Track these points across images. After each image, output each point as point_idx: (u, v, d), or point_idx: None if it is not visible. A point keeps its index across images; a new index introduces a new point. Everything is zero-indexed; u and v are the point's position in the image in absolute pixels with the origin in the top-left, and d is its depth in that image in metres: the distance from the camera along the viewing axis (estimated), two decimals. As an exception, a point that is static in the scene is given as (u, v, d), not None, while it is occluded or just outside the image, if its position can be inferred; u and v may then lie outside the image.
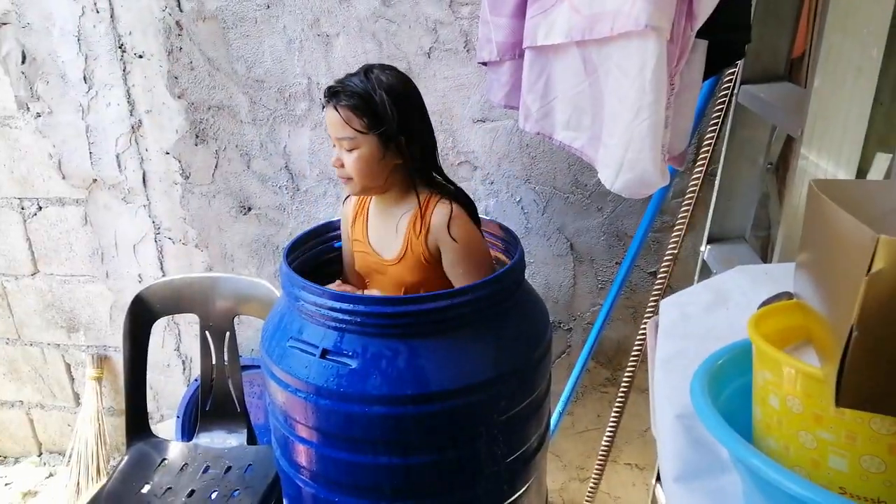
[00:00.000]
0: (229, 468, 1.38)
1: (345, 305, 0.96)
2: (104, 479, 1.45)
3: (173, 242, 1.67)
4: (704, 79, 0.85)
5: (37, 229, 1.74)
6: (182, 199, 1.61)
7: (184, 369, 1.82)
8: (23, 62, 1.56)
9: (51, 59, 1.54)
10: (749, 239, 1.17)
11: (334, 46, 1.41)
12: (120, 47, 1.50)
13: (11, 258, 1.78)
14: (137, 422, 1.46)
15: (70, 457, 1.81)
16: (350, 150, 1.05)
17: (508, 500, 1.09)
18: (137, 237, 1.68)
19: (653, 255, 1.45)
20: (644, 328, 1.32)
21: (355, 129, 1.03)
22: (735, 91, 1.07)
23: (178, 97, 1.52)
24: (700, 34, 0.76)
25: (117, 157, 1.60)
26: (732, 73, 1.07)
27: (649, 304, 1.29)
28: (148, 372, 1.47)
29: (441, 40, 1.36)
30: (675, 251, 1.24)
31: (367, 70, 1.05)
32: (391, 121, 1.02)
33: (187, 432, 1.62)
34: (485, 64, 1.13)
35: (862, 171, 0.77)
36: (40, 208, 1.71)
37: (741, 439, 0.42)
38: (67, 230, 1.72)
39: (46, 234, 1.73)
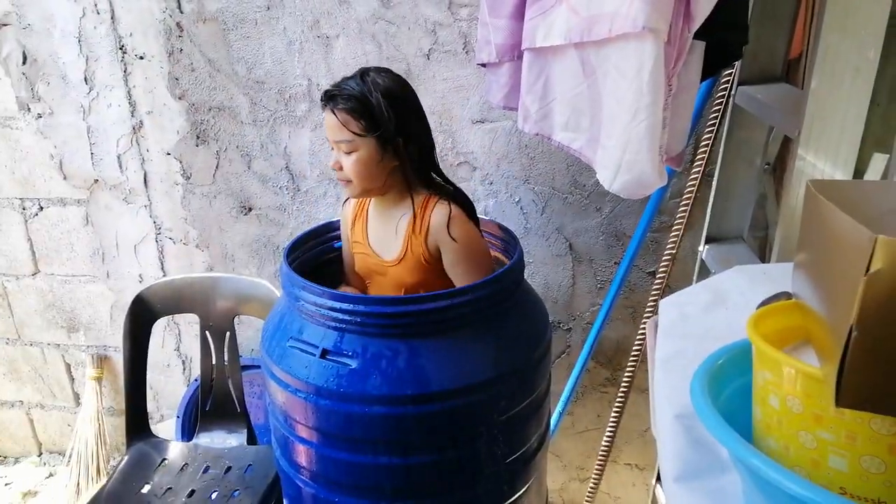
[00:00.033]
0: (229, 468, 1.38)
1: (345, 305, 0.97)
2: (104, 479, 1.45)
3: (174, 242, 1.67)
4: (702, 80, 0.85)
5: (38, 229, 1.74)
6: (183, 199, 1.62)
7: (184, 369, 1.82)
8: (24, 63, 1.56)
9: (52, 60, 1.54)
10: (747, 239, 1.18)
11: (334, 48, 1.42)
12: (121, 48, 1.51)
13: (12, 258, 1.79)
14: (137, 422, 1.46)
15: (70, 457, 1.81)
16: (348, 153, 1.05)
17: (509, 500, 1.10)
18: (138, 237, 1.68)
19: (651, 255, 1.45)
20: (643, 328, 1.33)
21: (353, 132, 1.03)
22: (732, 92, 1.07)
23: (179, 98, 1.52)
24: (697, 35, 0.76)
25: (118, 157, 1.61)
26: (730, 75, 1.07)
27: (648, 304, 1.30)
28: (148, 372, 1.47)
29: (440, 42, 1.37)
30: (674, 251, 1.24)
31: (363, 73, 1.06)
32: (388, 123, 1.03)
33: (187, 432, 1.63)
34: (484, 65, 1.13)
35: (859, 172, 0.78)
36: (41, 208, 1.72)
37: (741, 439, 0.42)
38: (68, 230, 1.72)
39: (47, 234, 1.74)
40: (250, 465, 1.38)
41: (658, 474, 1.20)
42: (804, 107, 0.78)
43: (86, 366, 1.85)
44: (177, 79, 1.51)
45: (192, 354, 1.79)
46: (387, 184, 1.10)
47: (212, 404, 1.47)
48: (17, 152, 1.66)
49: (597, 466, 1.47)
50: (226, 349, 1.45)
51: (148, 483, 1.34)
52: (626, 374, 1.36)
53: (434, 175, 1.14)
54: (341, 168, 1.07)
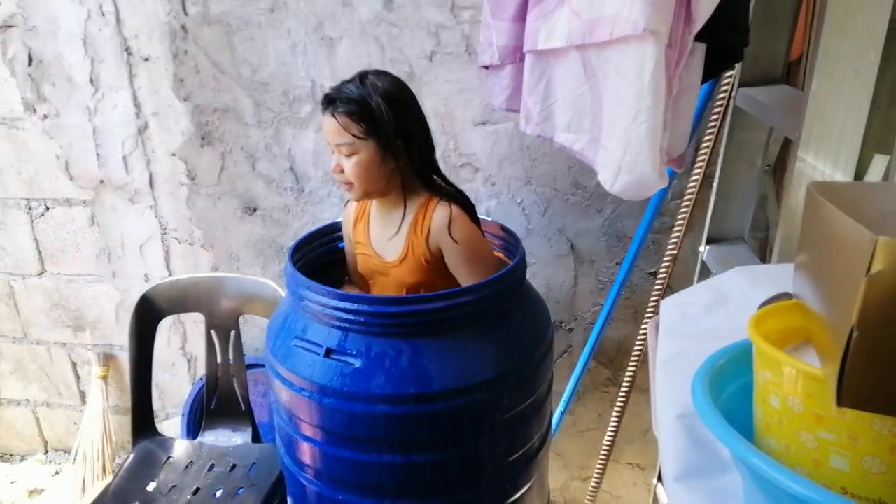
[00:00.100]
0: (234, 466, 1.39)
1: (349, 305, 0.98)
2: (110, 477, 1.46)
3: (179, 243, 1.68)
4: (703, 82, 0.85)
5: (44, 229, 1.75)
6: (188, 199, 1.63)
7: (189, 368, 1.83)
8: (29, 64, 1.58)
9: (57, 61, 1.56)
10: (748, 240, 1.18)
11: (337, 50, 1.42)
12: (126, 50, 1.52)
13: (19, 258, 1.80)
14: (143, 420, 1.47)
15: (76, 455, 1.83)
16: (349, 156, 1.06)
17: (510, 499, 1.10)
18: (144, 237, 1.70)
19: (652, 256, 1.45)
20: (645, 328, 1.33)
21: (353, 135, 1.04)
22: (733, 94, 1.07)
23: (184, 100, 1.53)
24: (698, 38, 0.77)
25: (124, 158, 1.62)
26: (730, 76, 1.08)
27: (650, 305, 1.30)
28: (153, 371, 1.48)
29: (443, 44, 1.37)
30: (675, 252, 1.24)
31: (362, 76, 1.06)
32: (388, 125, 1.03)
33: (192, 430, 1.64)
34: (486, 67, 1.14)
35: (859, 173, 0.78)
36: (48, 209, 1.73)
37: (742, 439, 0.43)
38: (74, 230, 1.73)
39: (54, 234, 1.75)
40: (255, 463, 1.39)
41: (659, 474, 1.20)
42: (805, 108, 0.78)
43: (92, 364, 1.86)
44: (182, 80, 1.52)
45: (197, 353, 1.80)
46: (388, 186, 1.10)
47: (217, 403, 1.48)
48: (24, 153, 1.67)
49: (598, 466, 1.48)
50: (231, 348, 1.46)
51: (153, 481, 1.35)
52: (628, 373, 1.37)
53: (435, 176, 1.15)
54: (342, 171, 1.08)
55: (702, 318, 0.70)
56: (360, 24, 1.39)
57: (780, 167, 1.30)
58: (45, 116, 1.62)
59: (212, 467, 1.39)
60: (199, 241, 1.67)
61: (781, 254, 0.88)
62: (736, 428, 0.44)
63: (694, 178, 1.20)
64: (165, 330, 1.77)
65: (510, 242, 1.25)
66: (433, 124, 1.14)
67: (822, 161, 0.79)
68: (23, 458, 2.07)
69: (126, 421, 1.52)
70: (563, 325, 1.56)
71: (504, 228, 1.27)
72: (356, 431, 0.99)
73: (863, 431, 0.40)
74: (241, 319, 1.46)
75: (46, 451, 2.08)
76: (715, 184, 1.15)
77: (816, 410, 0.43)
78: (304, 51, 1.44)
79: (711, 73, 0.86)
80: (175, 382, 1.85)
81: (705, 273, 1.17)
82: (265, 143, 1.53)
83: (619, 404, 1.40)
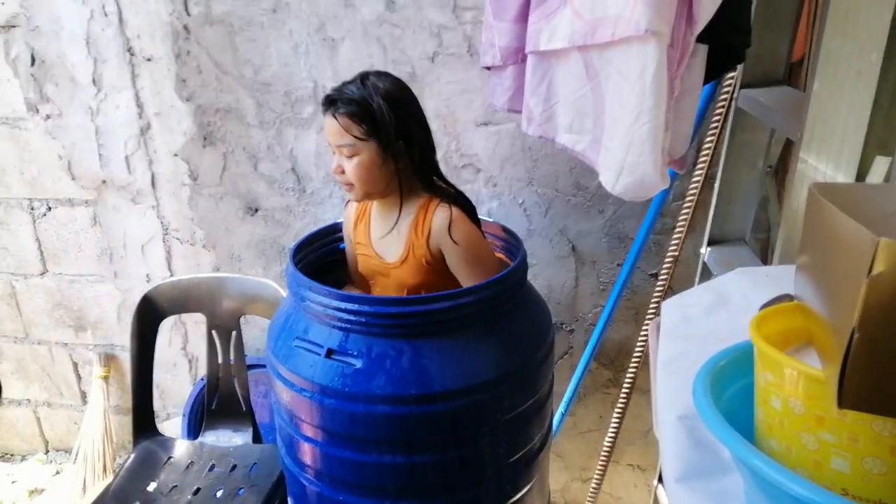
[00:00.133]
0: (235, 466, 1.39)
1: (350, 305, 0.98)
2: (110, 477, 1.46)
3: (181, 243, 1.69)
4: (704, 83, 0.85)
5: (46, 229, 1.76)
6: (190, 200, 1.63)
7: (190, 368, 1.83)
8: (32, 65, 1.58)
9: (60, 61, 1.56)
10: (749, 241, 1.18)
11: (340, 51, 1.43)
12: (128, 50, 1.52)
13: (21, 258, 1.81)
14: (144, 420, 1.47)
15: (77, 455, 1.83)
16: (350, 157, 1.06)
17: (511, 500, 1.10)
18: (146, 238, 1.70)
19: (654, 257, 1.45)
20: (646, 329, 1.33)
21: (355, 137, 1.04)
22: (735, 95, 1.08)
23: (187, 100, 1.54)
24: (700, 39, 0.77)
25: (126, 158, 1.62)
26: (732, 78, 1.08)
27: (651, 306, 1.30)
28: (154, 371, 1.48)
29: (445, 45, 1.38)
30: (676, 253, 1.24)
31: (363, 77, 1.06)
32: (389, 126, 1.03)
33: (193, 431, 1.64)
34: (488, 68, 1.14)
35: (861, 175, 0.78)
36: (50, 209, 1.73)
37: (743, 440, 0.42)
38: (77, 230, 1.74)
39: (56, 234, 1.76)
40: (255, 463, 1.39)
41: (660, 475, 1.20)
42: (806, 110, 0.78)
43: (93, 364, 1.87)
44: (184, 81, 1.52)
45: (198, 354, 1.80)
46: (388, 187, 1.10)
47: (218, 403, 1.49)
48: (26, 153, 1.68)
49: (599, 467, 1.48)
50: (232, 348, 1.46)
51: (154, 481, 1.35)
52: (629, 375, 1.37)
53: (435, 178, 1.15)
54: (343, 172, 1.08)
55: (703, 320, 0.70)
56: (363, 25, 1.39)
57: (781, 168, 1.30)
58: (48, 116, 1.62)
59: (212, 467, 1.39)
60: (201, 242, 1.67)
61: (783, 255, 0.88)
62: (737, 429, 0.44)
63: (695, 179, 1.20)
64: (167, 330, 1.77)
65: (511, 243, 1.25)
66: (435, 125, 1.14)
67: (824, 162, 0.79)
68: (23, 458, 2.08)
69: (127, 421, 1.52)
70: (564, 326, 1.56)
71: (505, 229, 1.27)
72: (357, 432, 0.99)
73: (863, 433, 0.40)
74: (242, 320, 1.46)
75: (47, 451, 2.08)
76: (716, 185, 1.15)
77: (817, 412, 0.43)
78: (306, 51, 1.44)
79: (713, 74, 0.86)
80: (176, 382, 1.85)
81: (706, 274, 1.17)
82: (267, 144, 1.54)
83: (619, 405, 1.40)
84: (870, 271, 0.35)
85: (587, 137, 0.91)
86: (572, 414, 1.61)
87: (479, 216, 1.18)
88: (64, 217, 1.73)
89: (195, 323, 1.76)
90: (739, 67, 1.05)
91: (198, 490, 1.33)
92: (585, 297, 1.53)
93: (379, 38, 1.40)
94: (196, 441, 1.47)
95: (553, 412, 1.28)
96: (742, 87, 1.06)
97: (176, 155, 1.60)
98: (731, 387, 0.53)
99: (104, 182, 1.66)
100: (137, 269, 1.74)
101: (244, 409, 1.47)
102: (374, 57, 1.41)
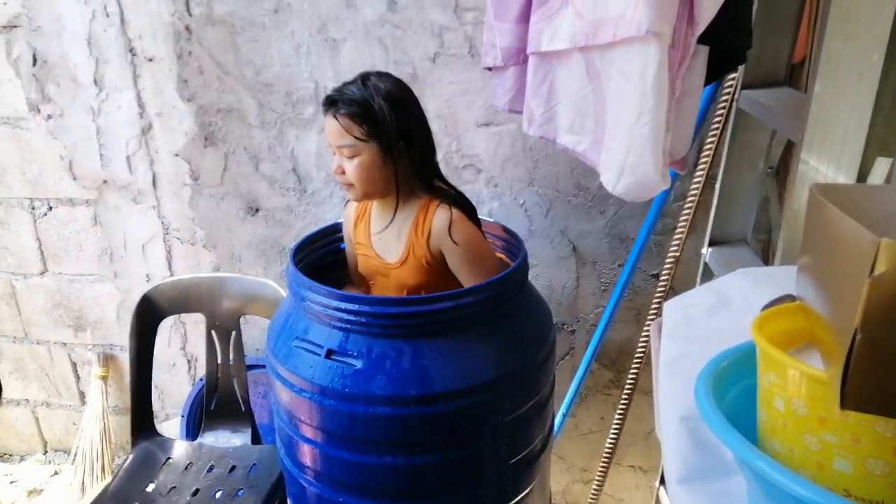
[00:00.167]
0: (234, 467, 1.39)
1: (350, 306, 0.98)
2: (109, 478, 1.46)
3: (182, 243, 1.69)
4: (706, 84, 0.85)
5: (47, 229, 1.76)
6: (191, 200, 1.63)
7: (189, 368, 1.83)
8: (34, 65, 1.58)
9: (62, 61, 1.56)
10: (750, 242, 1.18)
11: (341, 51, 1.43)
12: (130, 51, 1.53)
13: (21, 257, 1.81)
14: (143, 421, 1.47)
15: (75, 455, 1.83)
16: (351, 158, 1.06)
17: (512, 502, 1.10)
18: (146, 237, 1.70)
19: (655, 258, 1.45)
20: (647, 330, 1.33)
21: (355, 137, 1.04)
22: (736, 96, 1.08)
23: (188, 100, 1.54)
24: (701, 40, 0.77)
25: (127, 158, 1.63)
26: (733, 79, 1.08)
27: (652, 306, 1.30)
28: (154, 371, 1.48)
29: (446, 46, 1.38)
30: (678, 254, 1.24)
31: (364, 78, 1.07)
32: (390, 127, 1.03)
33: (192, 431, 1.63)
34: (489, 69, 1.14)
35: (862, 176, 0.78)
36: (50, 208, 1.73)
37: (746, 441, 0.42)
38: (77, 230, 1.74)
39: (56, 233, 1.76)
40: (255, 464, 1.39)
41: (661, 476, 1.20)
42: (807, 111, 0.78)
43: (92, 364, 1.86)
44: (186, 81, 1.52)
45: (197, 354, 1.80)
46: (388, 187, 1.10)
47: (217, 404, 1.48)
48: (28, 153, 1.68)
49: (600, 468, 1.47)
50: (231, 349, 1.46)
51: (153, 482, 1.35)
52: (630, 376, 1.36)
53: (435, 178, 1.15)
54: (343, 172, 1.08)
55: (705, 320, 0.70)
56: (364, 26, 1.39)
57: (782, 169, 1.30)
58: (50, 116, 1.62)
59: (211, 468, 1.39)
60: (202, 242, 1.67)
61: (784, 256, 0.88)
62: (739, 430, 0.44)
63: (696, 179, 1.20)
64: (166, 330, 1.77)
65: (512, 244, 1.25)
66: (436, 125, 1.14)
67: (825, 163, 0.79)
68: (22, 459, 2.07)
69: (126, 421, 1.52)
70: (565, 326, 1.56)
71: (506, 230, 1.27)
72: (357, 433, 0.99)
73: (866, 434, 0.40)
74: (241, 320, 1.46)
75: (46, 452, 2.08)
76: (717, 186, 1.15)
77: (820, 413, 0.43)
78: (307, 52, 1.44)
79: (714, 75, 0.87)
80: (175, 383, 1.85)
81: (708, 275, 1.17)
82: (268, 144, 1.54)
83: (621, 406, 1.40)
84: (871, 272, 0.35)
85: (588, 138, 0.91)
86: (573, 415, 1.61)
87: (480, 216, 1.18)
88: (65, 217, 1.73)
89: (195, 323, 1.75)
90: (740, 68, 1.05)
91: (196, 491, 1.32)
92: (586, 298, 1.53)
93: (380, 38, 1.40)
94: (195, 442, 1.47)
95: (554, 413, 1.28)
96: (743, 88, 1.06)
97: (177, 155, 1.60)
98: (732, 388, 0.53)
99: (105, 182, 1.66)
100: (137, 269, 1.74)
101: (243, 409, 1.47)
102: (376, 57, 1.41)
